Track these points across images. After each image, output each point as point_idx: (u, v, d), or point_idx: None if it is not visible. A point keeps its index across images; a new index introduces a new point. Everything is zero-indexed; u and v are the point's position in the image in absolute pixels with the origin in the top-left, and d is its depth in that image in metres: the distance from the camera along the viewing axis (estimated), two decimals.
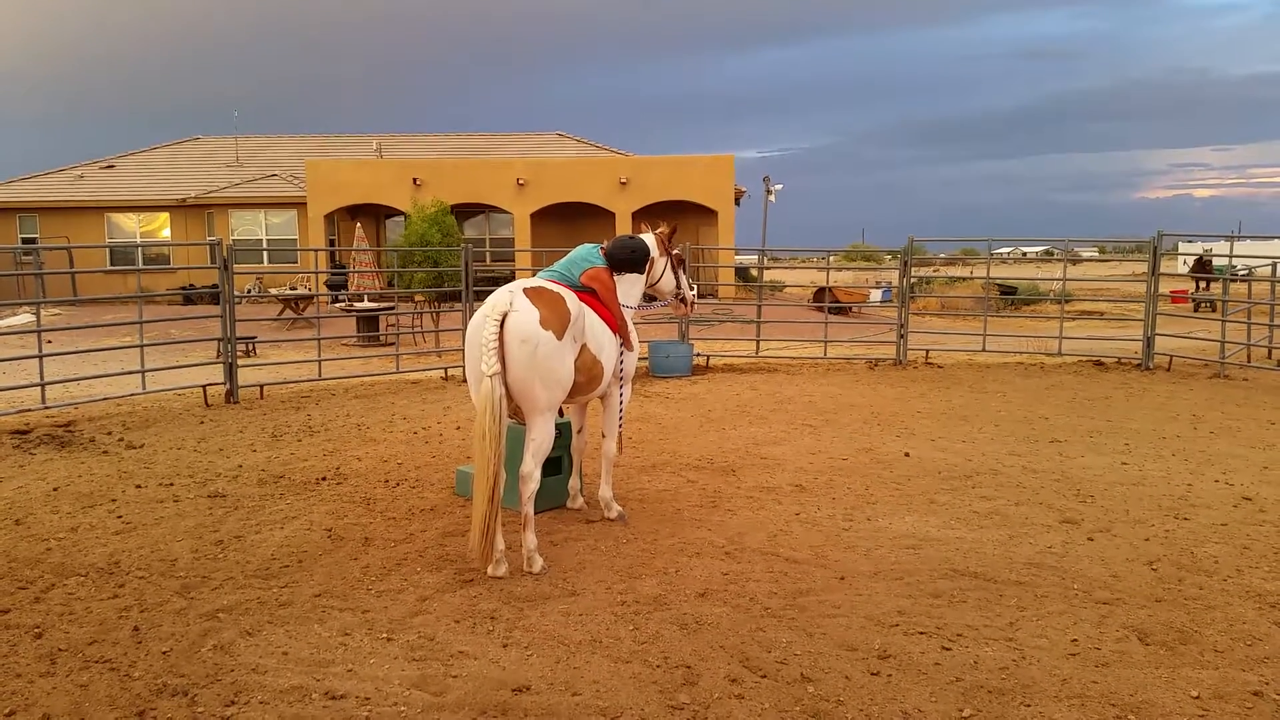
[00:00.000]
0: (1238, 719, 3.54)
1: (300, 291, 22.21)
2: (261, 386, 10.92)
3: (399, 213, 27.40)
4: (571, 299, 5.26)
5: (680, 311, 6.65)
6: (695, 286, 6.79)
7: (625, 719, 3.52)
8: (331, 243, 28.81)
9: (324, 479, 7.05)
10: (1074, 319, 20.18)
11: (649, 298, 6.43)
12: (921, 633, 4.30)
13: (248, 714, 3.54)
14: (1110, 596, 4.74)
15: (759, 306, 16.00)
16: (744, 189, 30.94)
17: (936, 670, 3.93)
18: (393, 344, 15.05)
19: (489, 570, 4.94)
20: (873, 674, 3.90)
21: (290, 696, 3.67)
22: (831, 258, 18.71)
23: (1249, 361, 13.28)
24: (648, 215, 25.62)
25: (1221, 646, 4.17)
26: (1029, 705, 3.64)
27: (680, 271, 6.38)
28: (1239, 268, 17.19)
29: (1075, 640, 4.22)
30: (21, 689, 3.73)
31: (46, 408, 9.39)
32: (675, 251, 6.35)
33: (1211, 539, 5.67)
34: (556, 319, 5.04)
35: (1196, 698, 3.70)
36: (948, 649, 4.13)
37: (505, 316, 4.91)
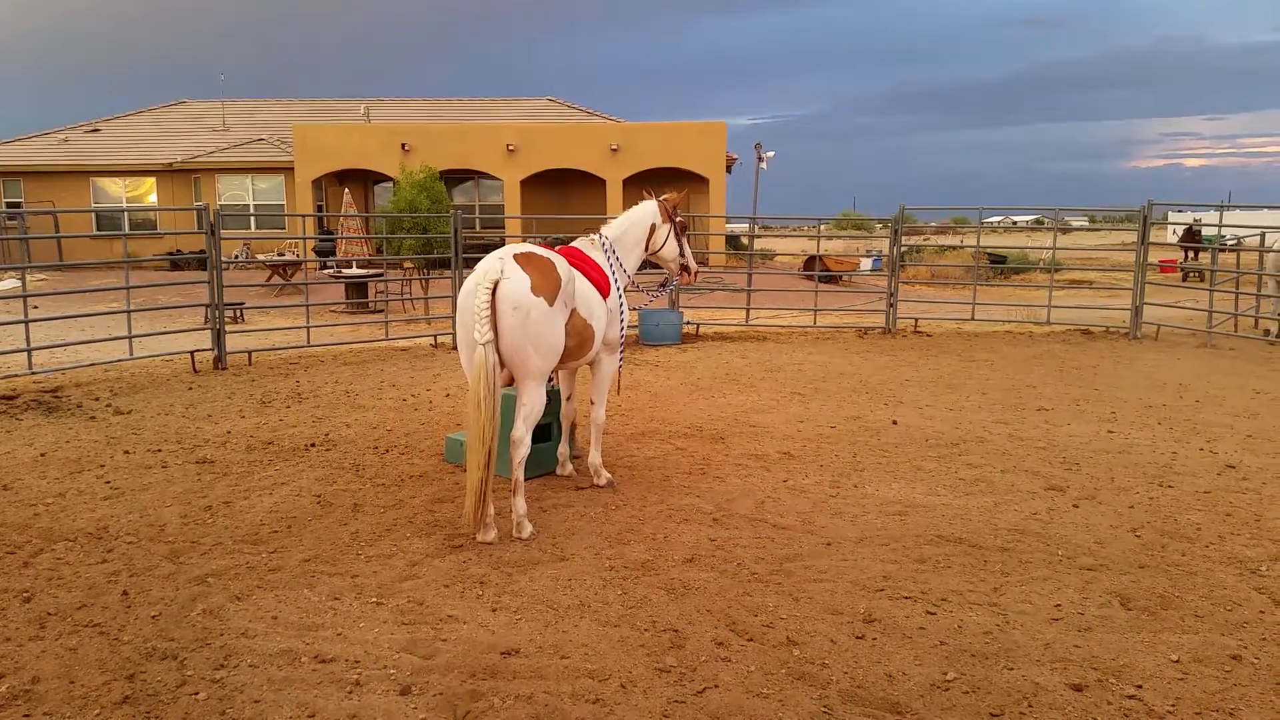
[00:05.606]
0: (1216, 682, 3.60)
1: (288, 257, 22.05)
2: (250, 353, 10.88)
3: (387, 178, 27.17)
4: (562, 264, 5.24)
5: (684, 280, 6.63)
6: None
7: (613, 681, 3.56)
8: (319, 208, 28.57)
9: (313, 445, 7.05)
10: (1063, 288, 20.19)
11: (652, 265, 6.40)
12: (906, 597, 4.34)
13: (237, 677, 3.55)
14: (1094, 562, 4.79)
15: (749, 275, 15.99)
16: (735, 156, 30.74)
17: (921, 634, 3.97)
18: (381, 311, 14.98)
19: (478, 536, 4.96)
20: (858, 638, 3.94)
21: (280, 660, 3.69)
22: (822, 226, 18.65)
23: (1235, 331, 13.35)
24: (639, 182, 25.46)
25: (1202, 612, 4.23)
26: (1012, 669, 3.69)
27: (684, 239, 6.35)
28: (1228, 237, 17.23)
29: (1059, 605, 4.27)
30: (11, 652, 3.74)
31: (33, 373, 9.34)
32: (679, 219, 6.31)
33: (1195, 506, 5.73)
34: (547, 285, 5.02)
35: (1176, 661, 3.76)
36: (932, 613, 4.17)
37: (496, 284, 4.89)
